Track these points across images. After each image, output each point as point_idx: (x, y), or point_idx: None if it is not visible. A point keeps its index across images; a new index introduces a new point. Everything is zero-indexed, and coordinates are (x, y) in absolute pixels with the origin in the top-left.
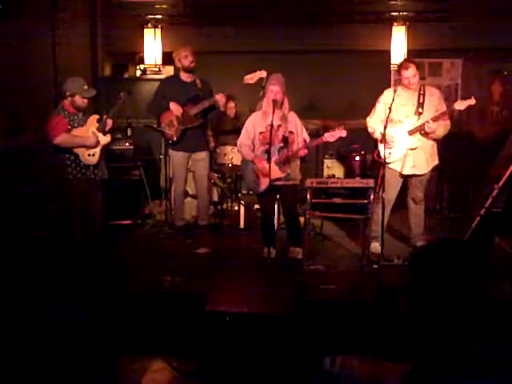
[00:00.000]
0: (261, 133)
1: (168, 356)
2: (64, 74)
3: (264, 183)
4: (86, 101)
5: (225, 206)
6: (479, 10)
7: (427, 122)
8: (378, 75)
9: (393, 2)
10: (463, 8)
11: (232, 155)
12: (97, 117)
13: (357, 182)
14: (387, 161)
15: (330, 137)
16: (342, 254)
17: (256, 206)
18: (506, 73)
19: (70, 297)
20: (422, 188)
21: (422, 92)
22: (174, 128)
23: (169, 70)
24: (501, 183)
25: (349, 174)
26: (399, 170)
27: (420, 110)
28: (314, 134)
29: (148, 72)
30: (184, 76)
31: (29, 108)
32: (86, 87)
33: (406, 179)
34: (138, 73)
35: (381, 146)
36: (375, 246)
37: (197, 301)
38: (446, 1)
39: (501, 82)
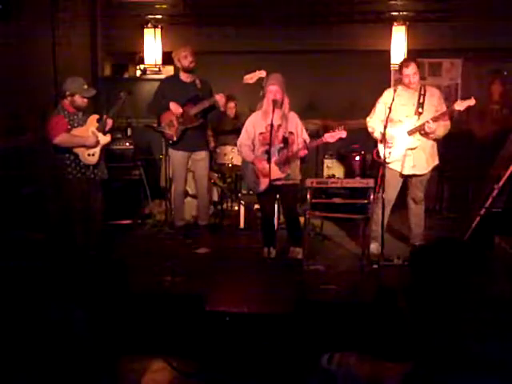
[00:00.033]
0: (261, 133)
1: (168, 356)
2: (64, 73)
3: (264, 183)
4: (85, 100)
5: (225, 206)
6: (479, 9)
7: (427, 122)
8: (378, 75)
9: (393, 2)
10: (463, 8)
11: (232, 155)
12: (97, 117)
13: (357, 182)
14: (387, 161)
15: (330, 137)
16: (342, 254)
17: (256, 206)
18: (505, 73)
19: (70, 297)
20: (422, 188)
21: (422, 92)
22: (174, 128)
23: (169, 70)
24: (501, 183)
25: (349, 173)
26: (399, 170)
27: (420, 110)
28: (314, 134)
29: (148, 72)
30: (184, 76)
31: (29, 108)
32: (85, 87)
33: (406, 179)
34: (138, 73)
35: (380, 146)
36: (374, 247)
37: (197, 301)
38: (445, 1)
39: (500, 82)
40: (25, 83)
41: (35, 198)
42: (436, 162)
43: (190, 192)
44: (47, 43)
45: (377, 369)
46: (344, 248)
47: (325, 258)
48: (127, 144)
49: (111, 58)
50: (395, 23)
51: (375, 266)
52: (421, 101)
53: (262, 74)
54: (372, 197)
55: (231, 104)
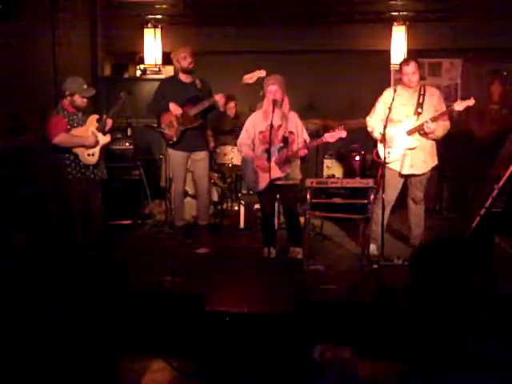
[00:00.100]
0: (261, 132)
1: (168, 356)
2: (64, 73)
3: (263, 182)
4: (85, 100)
5: (225, 206)
6: (479, 9)
7: (426, 122)
8: (378, 75)
9: (393, 2)
10: (463, 8)
11: (232, 155)
12: (96, 116)
13: (357, 182)
14: (386, 161)
15: (329, 137)
16: (342, 254)
17: (256, 206)
18: (505, 73)
19: (70, 297)
20: (422, 188)
21: (422, 92)
22: (173, 129)
23: (169, 70)
24: (501, 183)
25: (349, 173)
26: (398, 170)
27: (419, 110)
28: (314, 134)
29: (148, 72)
30: (183, 77)
31: (29, 108)
32: (85, 86)
33: (406, 179)
34: (138, 73)
35: (380, 146)
36: (374, 247)
37: (197, 301)
38: (446, 1)
39: (500, 82)
40: (25, 83)
41: (35, 198)
42: (435, 162)
43: (190, 192)
44: (47, 43)
45: (376, 369)
46: (344, 248)
47: (325, 258)
48: (127, 144)
49: (111, 58)
50: (395, 23)
51: (375, 266)
52: (420, 101)
53: (262, 73)
54: (372, 197)
55: (231, 104)
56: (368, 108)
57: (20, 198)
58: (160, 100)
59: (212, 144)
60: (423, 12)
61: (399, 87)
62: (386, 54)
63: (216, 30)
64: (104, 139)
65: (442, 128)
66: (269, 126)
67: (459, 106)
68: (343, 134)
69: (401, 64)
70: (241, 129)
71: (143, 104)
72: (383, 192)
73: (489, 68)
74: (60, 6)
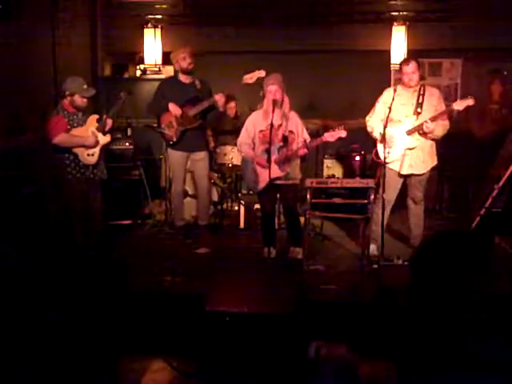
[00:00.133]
0: (261, 131)
1: (168, 356)
2: (64, 73)
3: (263, 181)
4: (85, 100)
5: (225, 206)
6: (479, 9)
7: (425, 121)
8: (378, 75)
9: (393, 2)
10: (463, 8)
11: (232, 155)
12: (96, 116)
13: (357, 182)
14: (386, 161)
15: (329, 137)
16: (342, 254)
17: (256, 206)
18: (505, 73)
19: (70, 297)
20: (422, 188)
21: (421, 92)
22: (173, 129)
23: (169, 70)
24: (501, 183)
25: (349, 173)
26: (398, 170)
27: (419, 109)
28: (314, 134)
29: (148, 72)
30: (183, 77)
31: (29, 108)
32: (85, 86)
33: (406, 179)
34: (138, 73)
35: (379, 146)
36: (374, 247)
37: (197, 301)
38: (445, 1)
39: (500, 82)
40: (25, 83)
41: (35, 198)
42: (435, 162)
43: (190, 192)
44: (47, 43)
45: (376, 369)
46: (344, 248)
47: (325, 257)
48: (127, 144)
49: (111, 58)
50: (395, 23)
51: (375, 266)
52: (420, 101)
53: (262, 73)
54: (372, 197)
55: (231, 104)
56: (368, 108)
57: (20, 198)
58: (160, 100)
59: (212, 144)
60: (423, 12)
61: (399, 87)
62: (385, 54)
63: (216, 29)
64: (104, 139)
65: (441, 128)
66: (269, 125)
67: (458, 105)
68: (343, 133)
69: (401, 63)
70: (241, 129)
71: (143, 104)
72: (383, 192)
73: (489, 68)
74: (60, 6)
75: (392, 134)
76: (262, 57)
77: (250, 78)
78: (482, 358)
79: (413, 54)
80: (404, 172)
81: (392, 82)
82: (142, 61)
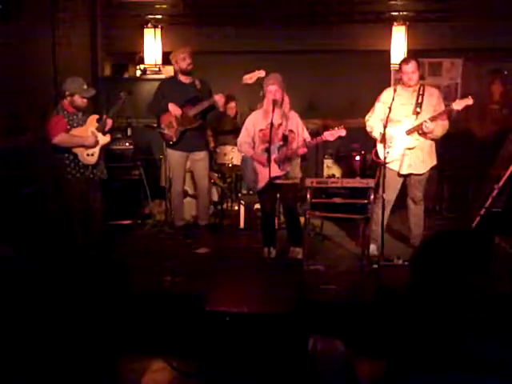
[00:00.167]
0: (261, 130)
1: (168, 356)
2: (64, 73)
3: (263, 180)
4: (85, 100)
5: (225, 206)
6: (479, 9)
7: (425, 121)
8: (378, 75)
9: (393, 2)
10: (463, 8)
11: (232, 155)
12: (96, 117)
13: (357, 182)
14: (386, 160)
15: (329, 135)
16: (342, 254)
17: (256, 206)
18: (505, 72)
19: (70, 297)
20: (421, 188)
21: (421, 92)
22: (173, 129)
23: (169, 70)
24: (501, 183)
25: (349, 173)
26: (397, 170)
27: (418, 109)
28: (314, 134)
29: (148, 72)
30: (183, 78)
31: (29, 108)
32: (85, 87)
33: (405, 179)
34: (138, 73)
35: (379, 146)
36: (374, 247)
37: (197, 301)
38: (445, 1)
39: (501, 82)
40: (25, 83)
41: (35, 198)
42: (434, 162)
43: (190, 192)
44: (47, 43)
45: (376, 369)
46: (344, 248)
47: (325, 258)
48: (127, 144)
49: (111, 58)
50: (395, 23)
51: (375, 266)
52: (419, 100)
53: (261, 74)
54: (372, 197)
55: (231, 104)
56: (368, 108)
57: (20, 198)
58: (160, 100)
59: (212, 144)
60: (423, 12)
61: (399, 87)
62: (385, 54)
63: (216, 29)
64: (104, 139)
65: (440, 128)
66: (269, 124)
67: (458, 105)
68: (342, 132)
69: (401, 63)
70: (241, 128)
71: (143, 104)
72: (383, 192)
73: (489, 68)
74: (60, 6)
75: (391, 134)
76: (262, 57)
77: (249, 78)
78: (482, 358)
79: (413, 54)
80: (403, 172)
81: (392, 82)
82: (141, 61)
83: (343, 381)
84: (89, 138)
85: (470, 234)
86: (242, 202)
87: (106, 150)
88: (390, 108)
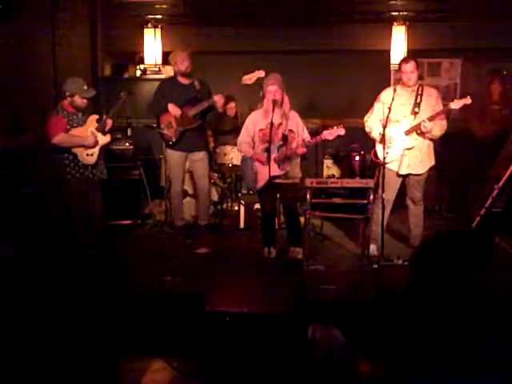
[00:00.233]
0: (261, 130)
1: (168, 356)
2: (64, 74)
3: (263, 179)
4: (85, 101)
5: (225, 206)
6: (479, 9)
7: (423, 121)
8: (377, 75)
9: (393, 2)
10: (463, 8)
11: (232, 155)
12: (96, 117)
13: (356, 182)
14: (385, 161)
15: (328, 135)
16: (342, 254)
17: (256, 206)
18: (505, 72)
19: (70, 297)
20: (420, 188)
21: (419, 92)
22: (172, 129)
23: (169, 70)
24: (501, 183)
25: (348, 173)
26: (396, 170)
27: (416, 109)
28: (314, 133)
29: (148, 72)
30: (182, 79)
31: (29, 108)
32: (85, 87)
33: (404, 179)
34: (138, 73)
35: (378, 146)
36: (374, 248)
37: (197, 301)
38: (446, 1)
39: (500, 82)
40: (25, 83)
41: (35, 198)
42: (433, 162)
43: (190, 192)
44: (47, 43)
45: (376, 369)
46: (344, 248)
47: (325, 257)
48: (127, 144)
49: (111, 58)
50: (395, 23)
51: (375, 266)
52: (418, 100)
53: (261, 74)
54: (372, 197)
55: (231, 104)
56: (368, 108)
57: (20, 198)
58: (160, 100)
59: (212, 144)
60: (423, 12)
61: (398, 87)
62: (385, 54)
63: (216, 29)
64: (104, 139)
65: (439, 127)
66: (269, 124)
67: (456, 104)
68: (341, 131)
69: (400, 63)
70: (241, 128)
71: (143, 104)
72: (383, 192)
73: (489, 68)
74: (60, 6)
75: (390, 135)
76: (262, 57)
77: (249, 78)
78: (482, 358)
79: (413, 54)
80: (402, 172)
81: (392, 82)
82: (142, 61)
83: (342, 369)
84: (88, 138)
85: (470, 234)
86: (242, 201)
87: (106, 149)
88: (389, 108)
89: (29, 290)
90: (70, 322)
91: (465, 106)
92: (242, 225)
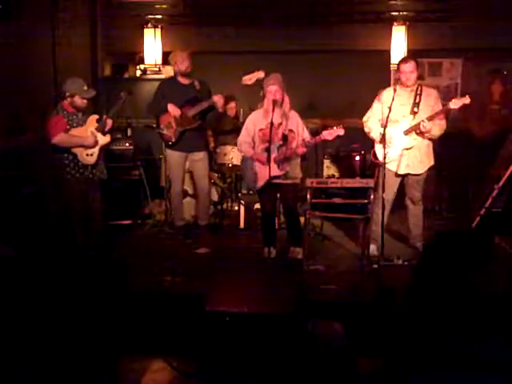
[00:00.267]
0: (261, 129)
1: (168, 356)
2: (64, 74)
3: (262, 179)
4: (85, 101)
5: (225, 206)
6: (479, 9)
7: (422, 121)
8: (377, 75)
9: (393, 2)
10: (463, 8)
11: (232, 155)
12: (96, 117)
13: (357, 182)
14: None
15: (327, 135)
16: (342, 254)
17: (256, 206)
18: (505, 72)
19: (70, 297)
20: (420, 188)
21: (418, 92)
22: (172, 129)
23: (169, 70)
24: (501, 183)
25: (348, 173)
26: (395, 170)
27: (415, 109)
28: (314, 133)
29: (148, 72)
30: (182, 79)
31: (29, 108)
32: (85, 88)
33: (403, 179)
34: (138, 73)
35: (377, 147)
36: (374, 248)
37: (197, 301)
38: (445, 1)
39: (500, 82)
40: (25, 83)
41: (35, 198)
42: (432, 162)
43: (190, 192)
44: (47, 43)
45: (376, 369)
46: (344, 248)
47: (325, 258)
48: (127, 144)
49: (111, 58)
50: (395, 23)
51: (375, 266)
52: (417, 100)
53: (261, 75)
54: (372, 197)
55: (232, 104)
56: (368, 108)
57: (20, 198)
58: (160, 100)
59: (212, 144)
60: (423, 12)
61: (398, 87)
62: (385, 54)
63: (216, 29)
64: (104, 139)
65: (438, 127)
66: (269, 123)
67: (455, 104)
68: (341, 131)
69: (399, 63)
70: (241, 128)
71: (143, 104)
72: (383, 192)
73: (489, 68)
74: (60, 6)
75: (390, 135)
76: (262, 57)
77: (248, 79)
78: (482, 358)
79: (413, 54)
80: (401, 172)
81: (392, 82)
82: (142, 61)
83: (342, 362)
84: (88, 138)
85: (470, 234)
86: (242, 201)
87: (106, 150)
88: (389, 108)
89: (29, 290)
90: (69, 322)
91: (464, 106)
92: (242, 225)
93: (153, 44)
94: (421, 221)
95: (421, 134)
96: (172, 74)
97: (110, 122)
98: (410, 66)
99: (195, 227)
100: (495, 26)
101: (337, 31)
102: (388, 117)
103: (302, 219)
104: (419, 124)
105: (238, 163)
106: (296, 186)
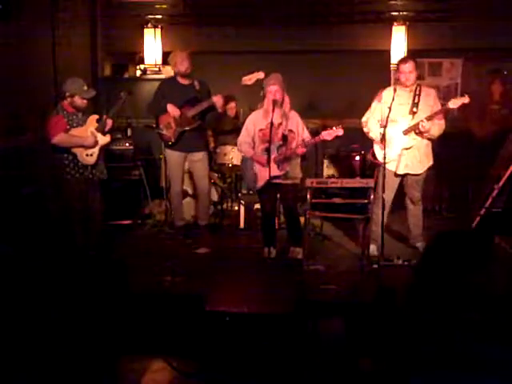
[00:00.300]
0: (261, 130)
1: (168, 356)
2: (64, 74)
3: (262, 179)
4: (85, 101)
5: (225, 206)
6: (479, 9)
7: (421, 121)
8: (377, 75)
9: (393, 2)
10: (463, 8)
11: (232, 155)
12: (96, 117)
13: (356, 182)
14: (384, 161)
15: (327, 135)
16: (342, 254)
17: (256, 206)
18: (505, 72)
19: (69, 297)
20: (419, 188)
21: (418, 92)
22: (171, 130)
23: (169, 70)
24: (501, 183)
25: (348, 173)
26: (394, 170)
27: (414, 109)
28: (314, 134)
29: (148, 72)
30: (181, 79)
31: (29, 108)
32: (85, 88)
33: (402, 179)
34: (138, 73)
35: (376, 147)
36: (374, 248)
37: (197, 301)
38: (445, 1)
39: (500, 82)
40: (25, 83)
41: (35, 198)
42: (431, 162)
43: (190, 192)
44: (47, 43)
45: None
46: (344, 248)
47: (325, 257)
48: (127, 144)
49: (111, 58)
50: (395, 23)
51: (375, 266)
52: (416, 100)
53: (260, 75)
54: (372, 197)
55: (232, 104)
56: (368, 108)
57: (20, 198)
58: (160, 100)
59: (212, 144)
60: (423, 12)
61: (397, 87)
62: (385, 54)
63: (216, 29)
64: (104, 139)
65: (437, 127)
66: (269, 124)
67: (454, 103)
68: (340, 132)
69: (398, 62)
70: (241, 129)
71: (143, 104)
72: (383, 192)
73: (489, 68)
74: (60, 6)
75: (389, 134)
76: (262, 57)
77: (248, 79)
78: (482, 358)
79: (413, 54)
80: (400, 172)
81: (392, 82)
82: (142, 61)
83: (342, 357)
84: (88, 138)
85: (470, 234)
86: (242, 201)
87: (105, 150)
88: (389, 108)
89: (29, 290)
90: (69, 321)
91: (464, 106)
92: (242, 225)
93: (153, 44)
94: (421, 221)
95: (420, 133)
96: (172, 74)
97: (109, 122)
98: (409, 66)
99: (195, 227)
100: (495, 26)
101: (337, 31)
102: (388, 117)
103: (302, 219)
104: (418, 124)
105: (238, 163)
106: (296, 186)
